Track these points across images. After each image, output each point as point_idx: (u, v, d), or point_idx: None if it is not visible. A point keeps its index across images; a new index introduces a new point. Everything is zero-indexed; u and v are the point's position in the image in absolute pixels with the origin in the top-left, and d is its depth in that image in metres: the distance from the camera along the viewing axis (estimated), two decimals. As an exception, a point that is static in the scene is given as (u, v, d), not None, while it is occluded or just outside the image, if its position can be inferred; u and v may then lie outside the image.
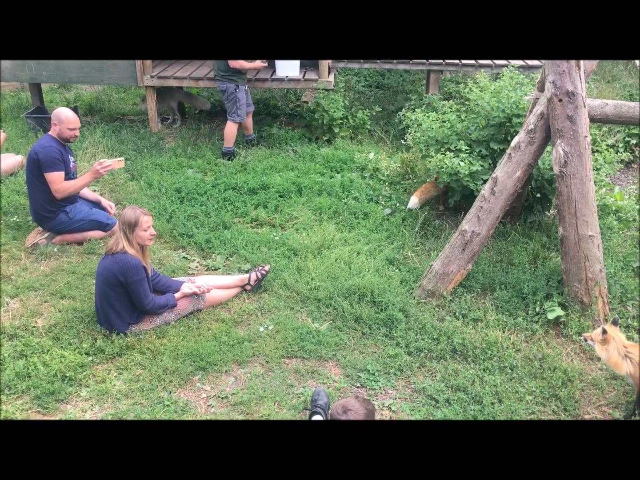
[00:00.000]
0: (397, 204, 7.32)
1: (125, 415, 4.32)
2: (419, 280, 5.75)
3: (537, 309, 5.38)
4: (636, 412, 4.27)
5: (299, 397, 4.57)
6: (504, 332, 5.22)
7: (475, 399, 4.48)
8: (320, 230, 6.76)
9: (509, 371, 4.76)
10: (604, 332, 4.17)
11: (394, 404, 4.50)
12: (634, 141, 9.41)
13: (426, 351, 5.01)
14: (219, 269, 6.17)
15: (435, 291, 5.56)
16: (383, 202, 7.43)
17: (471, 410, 4.36)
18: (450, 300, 5.56)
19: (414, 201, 7.10)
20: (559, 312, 5.27)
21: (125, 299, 5.05)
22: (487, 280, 5.83)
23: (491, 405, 4.41)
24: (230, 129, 8.67)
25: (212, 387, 4.68)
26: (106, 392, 4.56)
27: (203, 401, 4.53)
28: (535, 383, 4.65)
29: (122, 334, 5.11)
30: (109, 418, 4.29)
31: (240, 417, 4.37)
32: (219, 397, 4.57)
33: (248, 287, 5.78)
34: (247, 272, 5.98)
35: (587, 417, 4.39)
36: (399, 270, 6.00)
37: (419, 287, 5.65)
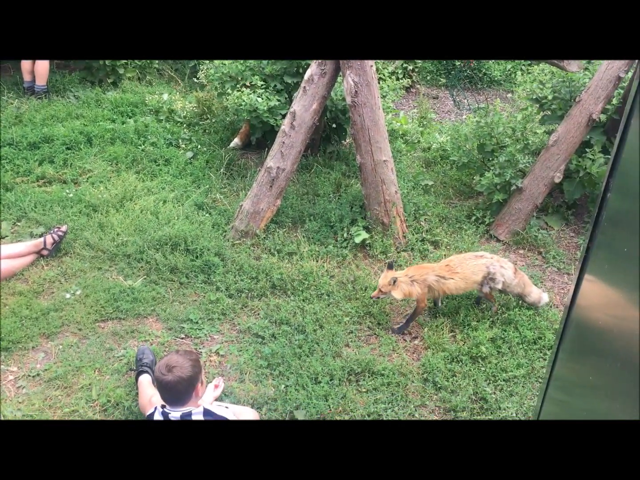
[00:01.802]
0: (199, 146, 7.07)
1: None
2: (230, 222, 5.73)
3: (345, 235, 5.68)
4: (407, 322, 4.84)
5: (121, 359, 4.35)
6: (317, 261, 5.44)
7: (299, 329, 4.67)
8: (120, 181, 6.30)
9: (326, 297, 5.03)
10: (394, 281, 4.62)
11: (221, 348, 4.51)
12: (410, 67, 10.14)
13: (247, 291, 5.05)
14: (6, 237, 5.47)
15: (249, 231, 5.58)
16: (184, 146, 7.12)
17: (296, 340, 4.54)
18: (264, 237, 5.63)
19: (236, 142, 7.03)
20: (364, 235, 5.62)
21: None
22: (296, 213, 5.98)
23: (314, 332, 4.63)
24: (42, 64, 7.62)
25: (19, 367, 4.23)
26: None
27: (11, 384, 4.09)
28: (350, 304, 4.97)
29: None
30: None
31: (58, 392, 4.04)
32: (29, 375, 4.16)
33: (45, 252, 5.22)
34: (41, 236, 5.38)
35: (396, 326, 4.81)
36: (210, 214, 5.90)
37: (232, 229, 5.63)
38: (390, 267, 4.69)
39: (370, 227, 5.72)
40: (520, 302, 4.91)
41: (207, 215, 5.88)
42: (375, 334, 4.78)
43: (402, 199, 5.88)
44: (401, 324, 4.81)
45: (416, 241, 5.76)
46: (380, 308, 4.97)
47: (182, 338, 4.61)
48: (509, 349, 4.54)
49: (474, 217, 6.23)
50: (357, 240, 5.59)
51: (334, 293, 5.09)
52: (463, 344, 4.60)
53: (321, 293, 5.08)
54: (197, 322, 4.73)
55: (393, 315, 4.98)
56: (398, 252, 5.68)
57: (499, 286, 4.71)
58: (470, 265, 4.67)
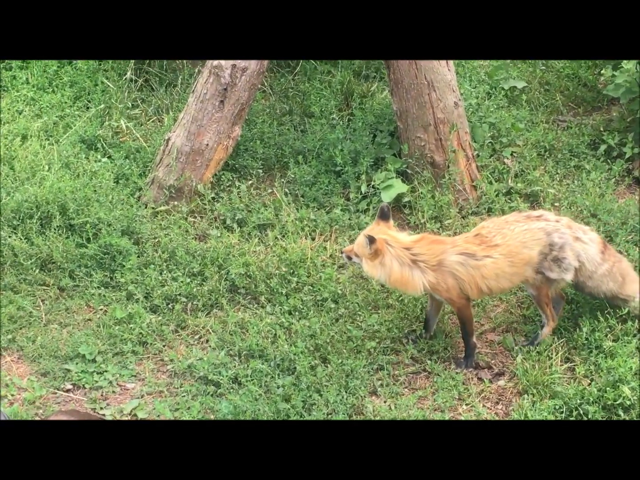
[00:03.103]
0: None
1: None
2: (149, 172, 5.70)
3: (363, 189, 5.63)
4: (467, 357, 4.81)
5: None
6: (313, 239, 5.43)
7: (283, 367, 4.60)
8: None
9: (333, 306, 4.98)
10: (372, 241, 4.44)
11: (140, 406, 4.48)
12: None
13: (184, 300, 5.05)
14: None
15: (183, 186, 5.56)
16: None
17: (278, 387, 4.49)
18: (213, 198, 5.62)
19: None
20: (399, 187, 5.57)
21: None
22: (271, 151, 6.00)
23: (311, 371, 4.59)
24: None
25: None
26: None
27: None
28: (377, 318, 4.92)
29: None
30: None
31: None
32: None
33: None
34: None
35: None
36: (109, 158, 5.86)
37: (152, 185, 5.63)
38: (383, 215, 4.66)
39: (410, 172, 5.66)
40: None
41: (104, 160, 5.86)
42: (425, 369, 4.72)
43: (468, 117, 5.80)
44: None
45: (497, 195, 5.67)
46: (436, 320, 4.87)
47: (67, 390, 4.59)
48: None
49: (603, 147, 6.13)
50: (386, 197, 5.53)
51: (347, 298, 5.04)
52: (589, 384, 4.51)
53: (323, 299, 5.04)
54: (93, 360, 4.72)
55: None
56: (463, 217, 5.63)
57: (569, 275, 4.65)
58: (518, 232, 4.66)
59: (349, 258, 4.71)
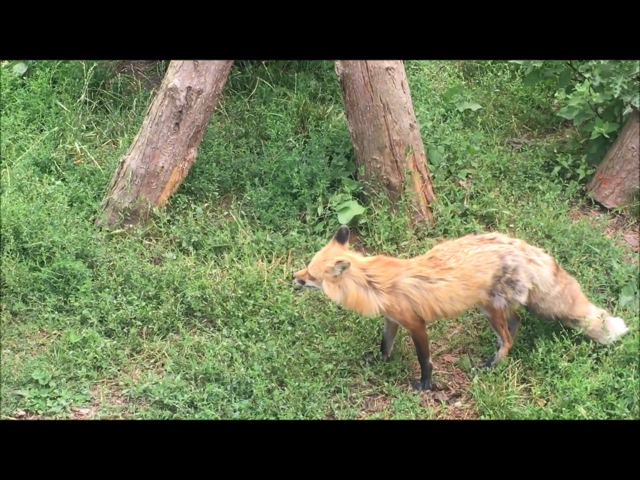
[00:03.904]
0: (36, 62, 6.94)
1: None
2: (104, 195, 5.66)
3: (320, 211, 5.63)
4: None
5: None
6: (270, 262, 5.43)
7: (239, 391, 4.58)
8: None
9: (289, 329, 4.97)
10: (344, 267, 4.48)
11: None
12: None
13: (139, 323, 5.03)
14: None
15: (138, 209, 5.52)
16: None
17: (235, 411, 4.46)
18: (169, 221, 5.58)
19: None
20: (355, 209, 5.58)
21: None
22: (227, 173, 5.99)
23: (267, 394, 4.56)
24: None
25: None
26: None
27: None
28: (334, 340, 4.91)
29: None
30: None
31: None
32: None
33: None
34: None
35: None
36: (64, 181, 5.82)
37: (107, 207, 5.59)
38: (340, 237, 4.66)
39: (366, 194, 5.67)
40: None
41: (58, 183, 5.80)
42: (382, 391, 4.74)
43: (424, 139, 5.83)
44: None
45: (453, 216, 5.70)
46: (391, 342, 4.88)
47: (20, 417, 4.54)
48: (629, 409, 4.48)
49: (557, 169, 6.19)
50: (343, 219, 5.53)
51: (304, 320, 5.04)
52: (545, 404, 4.54)
53: (279, 321, 5.03)
54: (46, 386, 4.66)
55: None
56: (420, 239, 5.64)
57: (523, 298, 4.73)
58: (472, 255, 4.69)
59: (302, 282, 4.70)
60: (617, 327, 4.83)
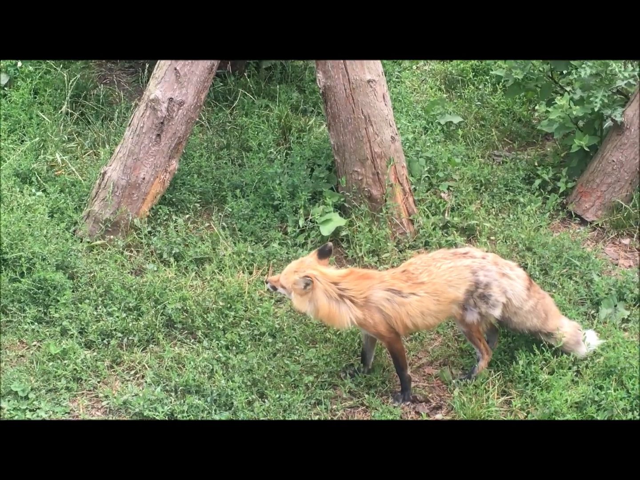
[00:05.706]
0: (20, 65, 6.92)
1: None
2: (85, 206, 5.65)
3: (301, 223, 5.63)
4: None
5: None
6: (251, 273, 5.43)
7: (220, 403, 4.58)
8: None
9: (270, 341, 4.97)
10: (308, 283, 4.51)
11: None
12: None
13: (119, 335, 5.00)
14: None
15: (119, 220, 5.51)
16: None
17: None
18: (150, 232, 5.57)
19: None
20: (337, 221, 5.58)
21: None
22: (209, 185, 5.98)
23: (248, 406, 4.57)
24: None
25: None
26: None
27: None
28: (314, 352, 4.91)
29: None
30: None
31: None
32: None
33: None
34: None
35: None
36: (44, 192, 5.80)
37: (88, 219, 5.57)
38: (322, 252, 4.70)
39: (347, 206, 5.68)
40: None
41: (38, 194, 5.78)
42: (362, 403, 4.73)
43: (405, 151, 5.84)
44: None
45: (434, 229, 5.71)
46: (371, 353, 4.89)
47: None
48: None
49: (538, 181, 6.21)
50: (325, 231, 5.54)
51: (285, 332, 5.03)
52: (525, 417, 4.54)
53: (260, 333, 5.03)
54: (26, 397, 4.64)
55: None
56: (401, 251, 5.65)
57: (497, 312, 4.73)
58: (444, 270, 4.71)
59: (274, 288, 4.71)
60: (590, 340, 4.85)
